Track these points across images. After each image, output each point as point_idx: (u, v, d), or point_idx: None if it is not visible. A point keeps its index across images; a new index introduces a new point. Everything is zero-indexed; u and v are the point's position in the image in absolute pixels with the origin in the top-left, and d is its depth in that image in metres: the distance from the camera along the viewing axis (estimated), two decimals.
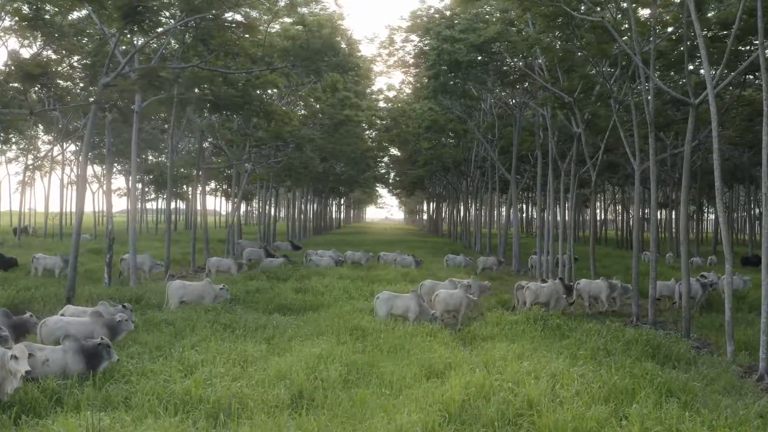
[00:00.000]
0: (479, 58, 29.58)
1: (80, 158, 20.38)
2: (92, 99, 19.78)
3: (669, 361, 13.40)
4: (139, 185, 71.06)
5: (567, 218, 26.79)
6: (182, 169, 64.32)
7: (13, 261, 25.16)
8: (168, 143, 47.66)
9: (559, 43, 23.72)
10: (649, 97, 18.15)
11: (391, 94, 52.77)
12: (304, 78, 31.47)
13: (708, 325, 18.30)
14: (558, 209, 30.98)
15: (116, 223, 69.76)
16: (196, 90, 24.67)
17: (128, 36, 21.10)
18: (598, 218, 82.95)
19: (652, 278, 18.77)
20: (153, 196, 77.02)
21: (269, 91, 34.10)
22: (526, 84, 31.08)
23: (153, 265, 25.43)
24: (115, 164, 63.17)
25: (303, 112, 40.51)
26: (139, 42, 21.39)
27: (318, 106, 39.08)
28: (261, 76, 24.37)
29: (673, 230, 52.12)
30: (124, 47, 23.32)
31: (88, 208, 71.05)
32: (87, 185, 66.14)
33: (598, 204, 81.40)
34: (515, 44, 25.00)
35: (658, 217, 63.52)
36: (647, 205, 58.47)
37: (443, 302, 16.52)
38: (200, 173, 33.18)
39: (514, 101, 34.96)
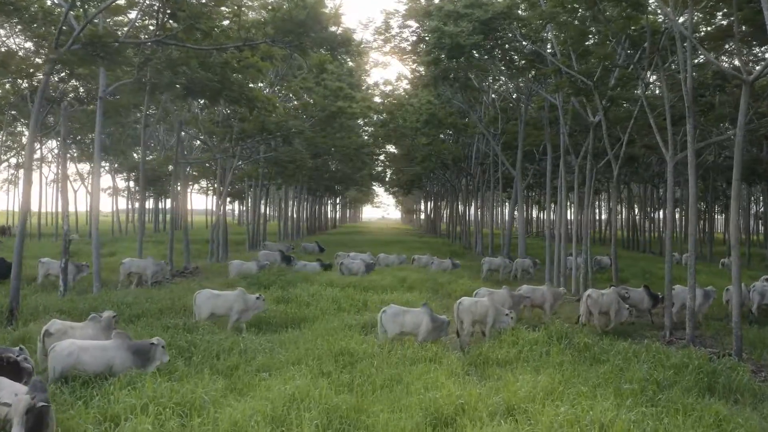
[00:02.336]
0: (483, 42, 26.84)
1: (26, 147, 17.57)
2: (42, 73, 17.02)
3: (731, 394, 10.82)
4: (127, 183, 68.46)
5: (581, 217, 24.05)
6: (170, 166, 61.93)
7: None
8: (155, 138, 45.17)
9: (576, 20, 21.02)
10: (688, 75, 15.50)
11: (387, 88, 50.00)
12: (290, 60, 28.80)
13: (757, 341, 15.65)
14: (565, 208, 28.34)
15: (103, 223, 67.16)
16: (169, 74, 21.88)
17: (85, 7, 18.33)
18: (601, 217, 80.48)
19: (690, 286, 16.11)
20: (146, 194, 73.97)
21: (260, 84, 31.45)
22: (533, 72, 28.40)
23: (157, 270, 22.99)
24: (104, 162, 60.78)
25: (295, 102, 37.78)
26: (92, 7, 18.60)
27: (309, 98, 36.31)
28: (241, 59, 21.64)
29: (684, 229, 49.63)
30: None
31: (80, 207, 68.46)
32: (68, 183, 63.46)
33: (599, 203, 78.84)
34: (526, 21, 22.30)
35: (657, 217, 61.51)
36: (645, 204, 55.98)
37: (468, 312, 13.84)
38: (178, 169, 30.38)
39: (519, 91, 32.34)
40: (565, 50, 22.80)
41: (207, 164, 39.00)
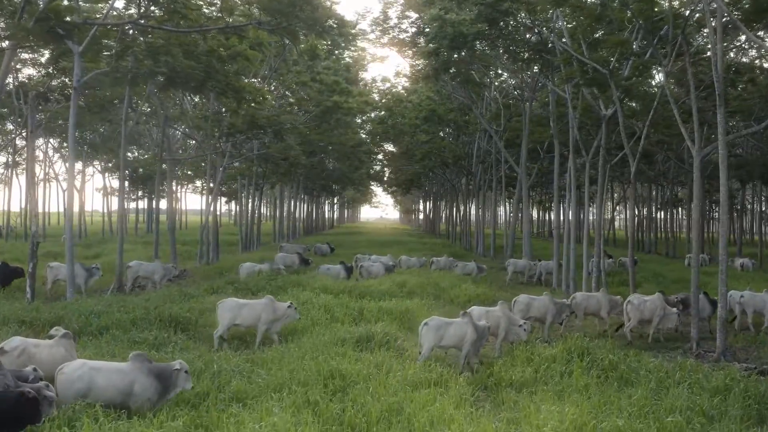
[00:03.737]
0: (487, 31, 25.25)
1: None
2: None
3: None
4: (120, 183, 66.68)
5: (593, 216, 22.42)
6: (163, 164, 60.18)
7: (19, 271, 20.54)
8: (147, 136, 43.41)
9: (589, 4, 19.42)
10: (718, 59, 13.91)
11: (385, 86, 48.35)
12: (283, 54, 27.21)
13: None
14: (576, 207, 26.71)
15: (96, 223, 65.23)
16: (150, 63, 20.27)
17: None
18: (605, 217, 78.75)
19: (722, 294, 14.49)
20: (140, 193, 72.26)
21: (253, 79, 29.83)
22: (539, 64, 26.81)
23: (166, 274, 21.62)
24: (96, 161, 59.05)
25: (291, 100, 36.16)
26: None
27: (303, 93, 34.67)
28: (228, 47, 20.03)
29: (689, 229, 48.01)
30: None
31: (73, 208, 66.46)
32: (58, 183, 61.73)
33: (602, 202, 77.15)
34: (534, 4, 20.68)
35: (660, 216, 59.86)
36: (648, 204, 54.24)
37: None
38: (165, 166, 28.71)
39: (523, 88, 30.76)
40: (575, 37, 21.23)
41: (199, 162, 37.29)
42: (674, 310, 15.88)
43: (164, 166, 30.01)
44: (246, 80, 21.95)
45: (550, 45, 24.60)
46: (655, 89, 29.78)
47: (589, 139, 26.05)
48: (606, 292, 17.25)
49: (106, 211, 64.83)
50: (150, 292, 19.14)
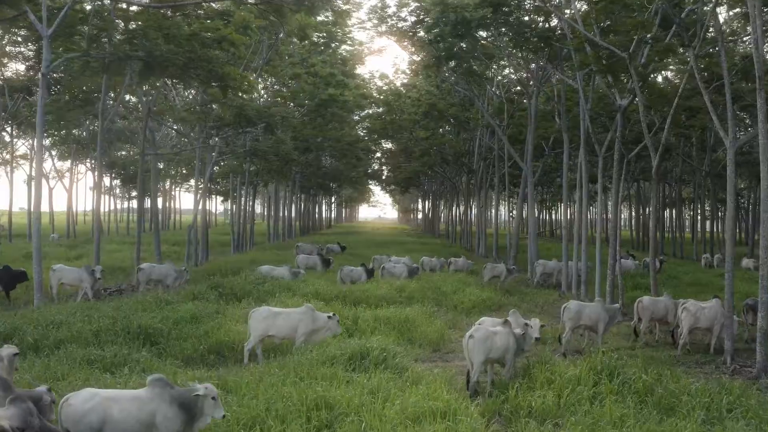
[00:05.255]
0: (491, 16, 23.57)
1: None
2: None
3: None
4: (111, 182, 64.83)
5: (608, 215, 20.72)
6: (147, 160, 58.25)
7: (22, 275, 19.02)
8: (141, 132, 41.71)
9: None
10: (758, 36, 12.24)
11: (384, 82, 46.56)
12: (276, 44, 25.50)
13: None
14: (587, 205, 25.01)
15: (85, 222, 63.59)
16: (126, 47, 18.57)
17: None
18: (607, 217, 76.97)
19: (763, 302, 12.77)
20: (132, 193, 70.49)
21: (248, 73, 28.08)
22: (547, 51, 25.13)
23: (177, 276, 20.47)
24: (88, 160, 57.23)
25: (284, 91, 34.44)
26: None
27: (298, 85, 32.97)
28: (211, 29, 18.32)
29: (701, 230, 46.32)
30: None
31: (58, 206, 64.70)
32: (46, 181, 59.92)
33: (606, 200, 75.44)
34: None
35: (659, 216, 57.95)
36: (651, 203, 52.44)
37: (482, 347, 10.55)
38: (147, 162, 26.94)
39: (526, 81, 29.03)
40: (588, 22, 19.55)
41: (192, 160, 35.49)
42: (735, 318, 14.29)
43: (148, 162, 28.31)
44: (234, 68, 20.19)
45: (559, 32, 22.98)
46: (672, 76, 28.22)
47: (599, 133, 24.41)
48: (669, 295, 15.84)
49: (94, 209, 63.04)
50: (123, 299, 17.43)
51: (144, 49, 17.93)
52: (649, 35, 16.90)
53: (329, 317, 12.54)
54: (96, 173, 22.34)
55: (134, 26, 19.56)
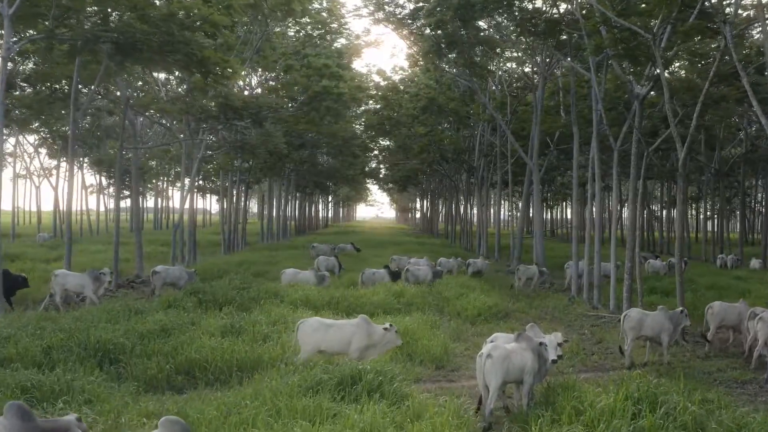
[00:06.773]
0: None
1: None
2: None
3: None
4: (105, 181, 62.98)
5: (625, 213, 19.03)
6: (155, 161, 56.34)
7: (23, 281, 17.62)
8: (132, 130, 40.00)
9: None
10: None
11: (380, 79, 44.76)
12: (266, 32, 23.79)
13: None
14: (601, 203, 23.33)
15: (77, 222, 62.00)
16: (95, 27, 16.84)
17: None
18: (607, 215, 75.27)
19: None
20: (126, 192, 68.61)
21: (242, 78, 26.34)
22: (554, 40, 23.47)
23: (190, 280, 19.35)
24: (83, 158, 55.32)
25: (272, 82, 32.73)
26: None
27: (290, 76, 31.21)
28: (188, 8, 16.59)
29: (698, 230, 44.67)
30: None
31: (49, 206, 62.77)
32: (35, 180, 58.20)
33: (609, 199, 73.78)
34: None
35: (660, 215, 56.48)
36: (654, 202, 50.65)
37: (499, 368, 8.87)
38: (127, 157, 25.16)
39: (537, 64, 27.38)
40: (602, 3, 17.89)
41: (170, 154, 33.77)
42: None
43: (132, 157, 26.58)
44: (215, 52, 18.47)
45: (568, 17, 21.33)
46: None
47: (611, 126, 22.78)
48: (745, 303, 14.29)
49: (86, 209, 61.37)
50: (90, 308, 15.69)
51: (117, 30, 16.20)
52: (674, 13, 15.22)
53: (386, 329, 11.09)
54: (68, 169, 20.62)
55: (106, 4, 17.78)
